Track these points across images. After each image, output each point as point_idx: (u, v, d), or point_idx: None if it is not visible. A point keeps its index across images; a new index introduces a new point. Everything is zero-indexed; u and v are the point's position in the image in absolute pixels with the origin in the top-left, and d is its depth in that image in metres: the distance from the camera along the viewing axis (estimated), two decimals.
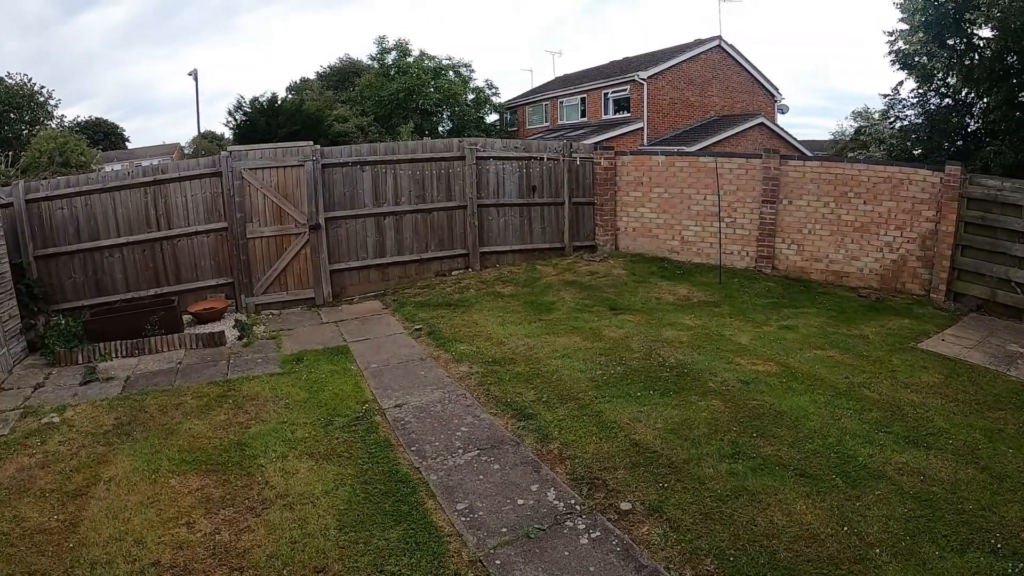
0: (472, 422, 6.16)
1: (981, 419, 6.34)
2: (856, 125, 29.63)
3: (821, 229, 11.93)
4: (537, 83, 41.09)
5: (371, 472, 5.22)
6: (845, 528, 4.41)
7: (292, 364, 7.94)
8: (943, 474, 5.19)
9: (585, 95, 31.15)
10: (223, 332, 9.04)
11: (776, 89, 31.53)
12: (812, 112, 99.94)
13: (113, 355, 8.37)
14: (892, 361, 7.89)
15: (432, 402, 6.66)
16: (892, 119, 16.56)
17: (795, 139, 29.47)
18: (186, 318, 9.77)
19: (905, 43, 14.28)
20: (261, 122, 26.85)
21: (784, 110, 32.20)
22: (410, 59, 35.09)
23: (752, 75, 30.65)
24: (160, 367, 8.00)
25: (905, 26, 14.11)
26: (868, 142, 17.92)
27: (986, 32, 12.85)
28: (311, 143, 10.95)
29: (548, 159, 13.10)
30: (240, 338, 9.04)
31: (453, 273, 12.33)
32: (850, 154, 22.26)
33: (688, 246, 13.13)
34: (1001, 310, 10.16)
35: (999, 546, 4.28)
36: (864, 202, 11.49)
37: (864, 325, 9.38)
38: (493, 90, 37.73)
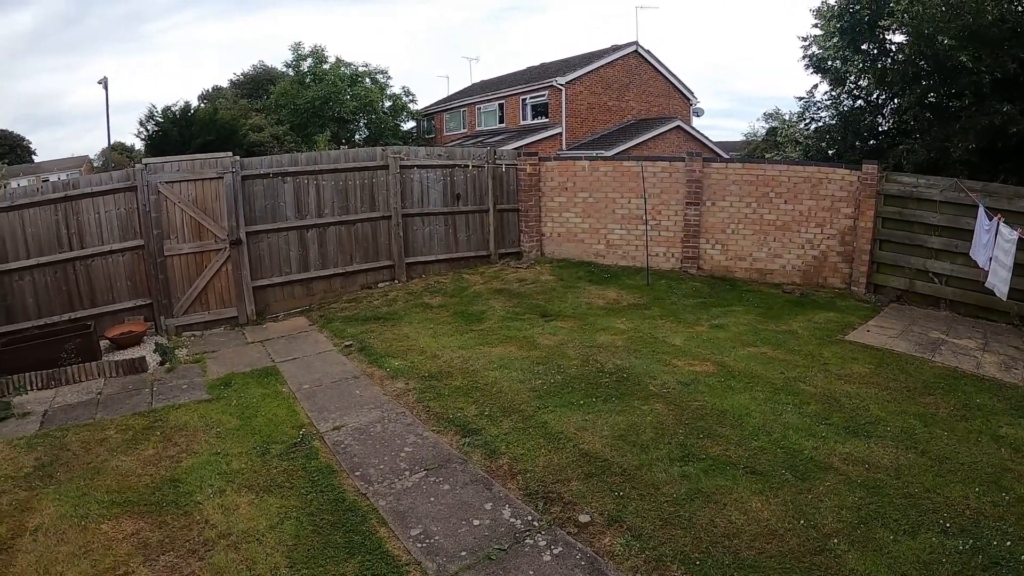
0: (416, 441, 5.97)
1: (914, 405, 6.57)
2: (768, 126, 30.41)
3: (744, 229, 12.20)
4: (454, 89, 41.01)
5: (316, 502, 4.94)
6: (801, 521, 4.46)
7: (220, 389, 7.52)
8: (886, 461, 5.33)
9: (503, 101, 31.14)
10: (144, 358, 8.54)
11: (691, 92, 32.17)
12: (719, 114, 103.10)
13: (28, 388, 7.76)
14: (823, 354, 8.09)
15: (372, 422, 6.43)
16: (807, 120, 17.09)
17: (710, 141, 30.13)
18: (104, 344, 9.20)
19: (820, 48, 14.85)
20: (174, 132, 26.17)
21: (699, 113, 32.94)
22: (326, 66, 34.63)
23: (668, 79, 31.17)
24: (80, 399, 7.45)
25: (820, 32, 14.67)
26: (783, 143, 18.45)
27: (899, 37, 13.46)
28: (229, 154, 10.52)
29: (472, 166, 12.99)
30: (162, 363, 8.58)
31: (379, 285, 12.07)
32: (765, 155, 22.85)
33: (614, 249, 13.22)
34: (919, 299, 10.62)
35: (948, 525, 4.42)
36: (785, 201, 11.82)
37: (792, 320, 9.60)
38: (410, 97, 37.60)
